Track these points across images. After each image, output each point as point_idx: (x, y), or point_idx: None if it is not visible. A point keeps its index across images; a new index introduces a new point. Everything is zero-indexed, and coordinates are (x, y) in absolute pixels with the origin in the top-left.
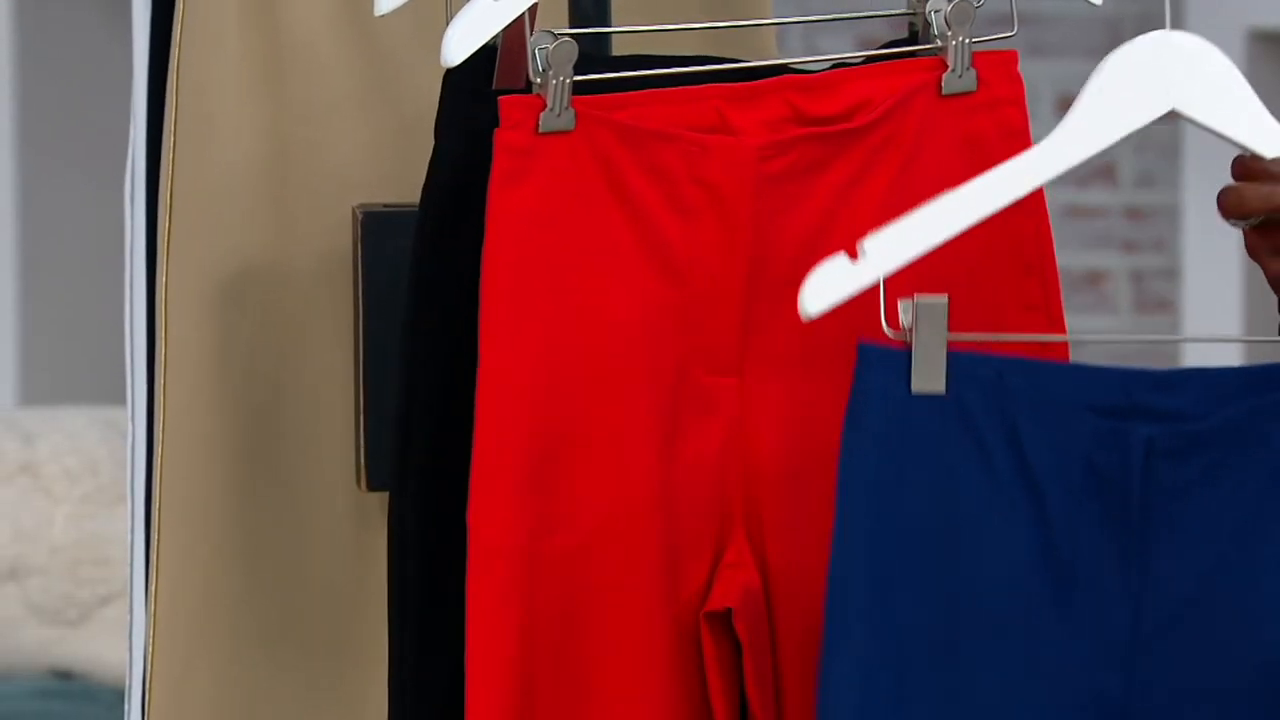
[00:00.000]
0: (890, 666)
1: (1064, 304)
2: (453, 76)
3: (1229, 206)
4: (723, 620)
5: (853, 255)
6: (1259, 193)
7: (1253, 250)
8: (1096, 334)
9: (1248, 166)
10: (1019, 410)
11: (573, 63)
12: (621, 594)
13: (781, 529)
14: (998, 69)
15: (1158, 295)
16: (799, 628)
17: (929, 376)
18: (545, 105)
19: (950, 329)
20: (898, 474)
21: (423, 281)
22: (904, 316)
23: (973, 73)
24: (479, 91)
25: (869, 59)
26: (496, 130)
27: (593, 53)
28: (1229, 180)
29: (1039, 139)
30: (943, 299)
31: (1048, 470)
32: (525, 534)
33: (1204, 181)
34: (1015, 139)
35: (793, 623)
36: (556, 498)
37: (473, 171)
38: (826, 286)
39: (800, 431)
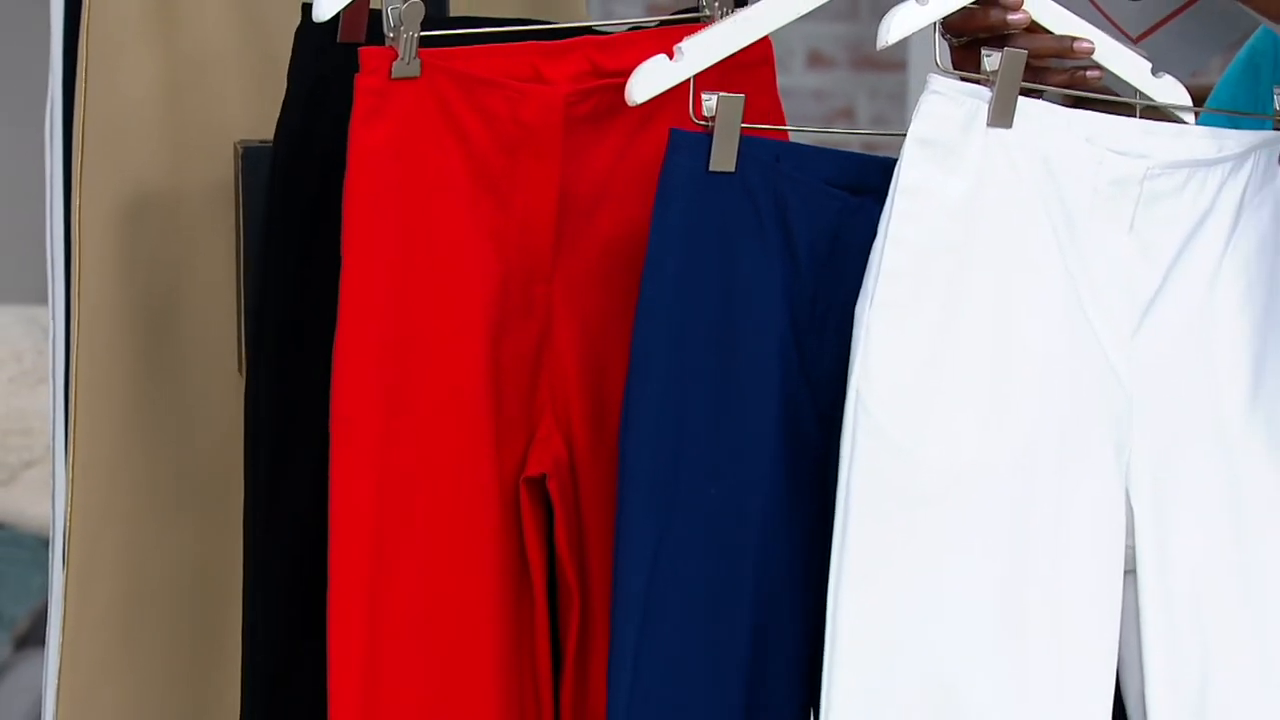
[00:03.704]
0: (681, 380)
1: None
2: (303, 32)
3: (954, 23)
4: (538, 484)
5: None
6: (985, 14)
7: (957, 66)
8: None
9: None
10: (787, 187)
11: (420, 21)
12: (458, 464)
13: (583, 411)
14: None
15: None
16: (599, 491)
17: (723, 158)
18: (396, 55)
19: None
20: (695, 237)
21: (277, 201)
22: (708, 107)
23: None
24: (324, 46)
25: (661, 23)
26: (357, 76)
27: (434, 14)
28: None
29: (793, 89)
30: (740, 96)
31: (803, 237)
32: (380, 412)
33: None
34: (766, 93)
35: (594, 488)
36: (405, 382)
37: (318, 110)
38: (650, 79)
39: (598, 332)
